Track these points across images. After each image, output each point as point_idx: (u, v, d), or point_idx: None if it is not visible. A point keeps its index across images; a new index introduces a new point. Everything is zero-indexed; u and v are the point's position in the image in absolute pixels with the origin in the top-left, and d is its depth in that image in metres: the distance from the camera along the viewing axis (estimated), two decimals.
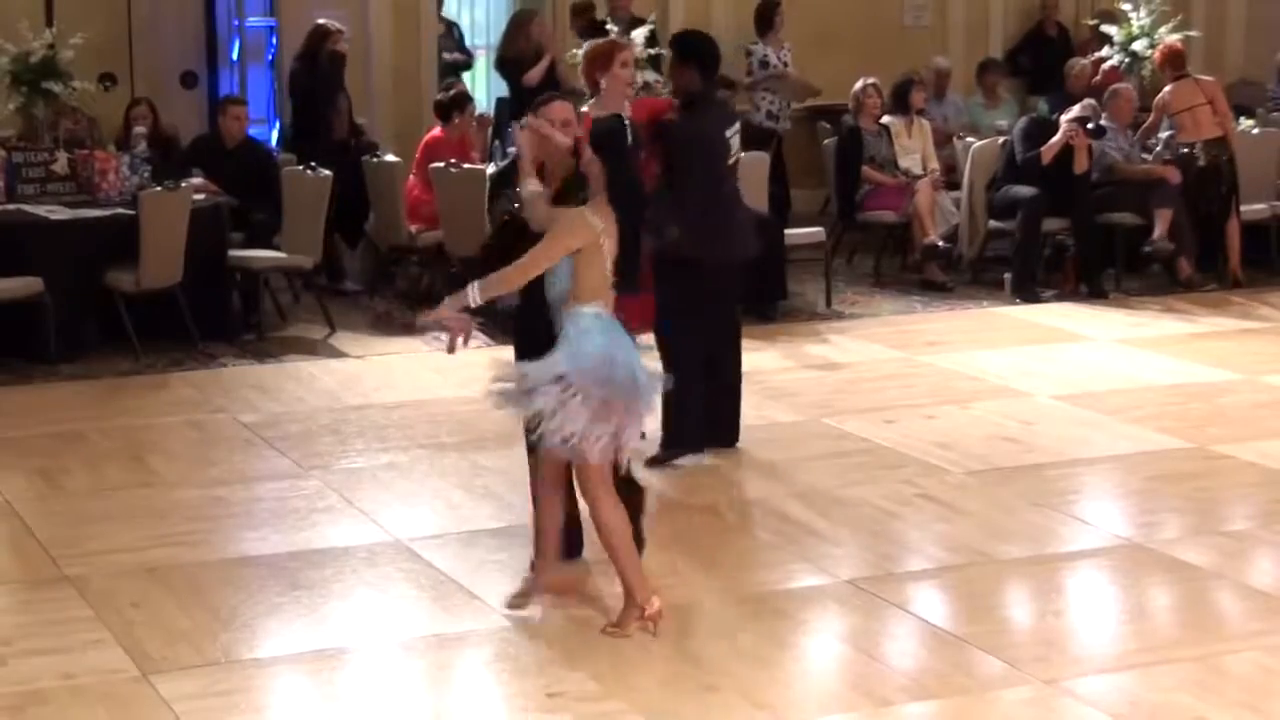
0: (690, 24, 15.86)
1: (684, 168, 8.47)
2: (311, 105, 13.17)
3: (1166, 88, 13.83)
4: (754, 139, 14.01)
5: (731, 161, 8.78)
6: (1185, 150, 13.58)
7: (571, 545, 6.91)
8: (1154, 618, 6.98)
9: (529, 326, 6.61)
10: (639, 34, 13.99)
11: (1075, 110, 13.23)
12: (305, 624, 6.76)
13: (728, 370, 8.84)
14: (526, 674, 6.20)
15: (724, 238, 8.63)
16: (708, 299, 8.55)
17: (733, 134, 8.78)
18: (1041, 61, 16.46)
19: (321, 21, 13.31)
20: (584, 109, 8.02)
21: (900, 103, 13.87)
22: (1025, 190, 13.11)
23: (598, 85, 8.11)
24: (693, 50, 8.76)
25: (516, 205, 6.54)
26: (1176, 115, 13.68)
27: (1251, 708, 5.92)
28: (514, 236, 6.55)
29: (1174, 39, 14.39)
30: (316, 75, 13.12)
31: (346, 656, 6.42)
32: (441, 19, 15.25)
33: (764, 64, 15.06)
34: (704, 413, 8.60)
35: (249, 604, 6.92)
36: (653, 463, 8.39)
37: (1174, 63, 13.94)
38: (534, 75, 13.22)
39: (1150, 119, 13.92)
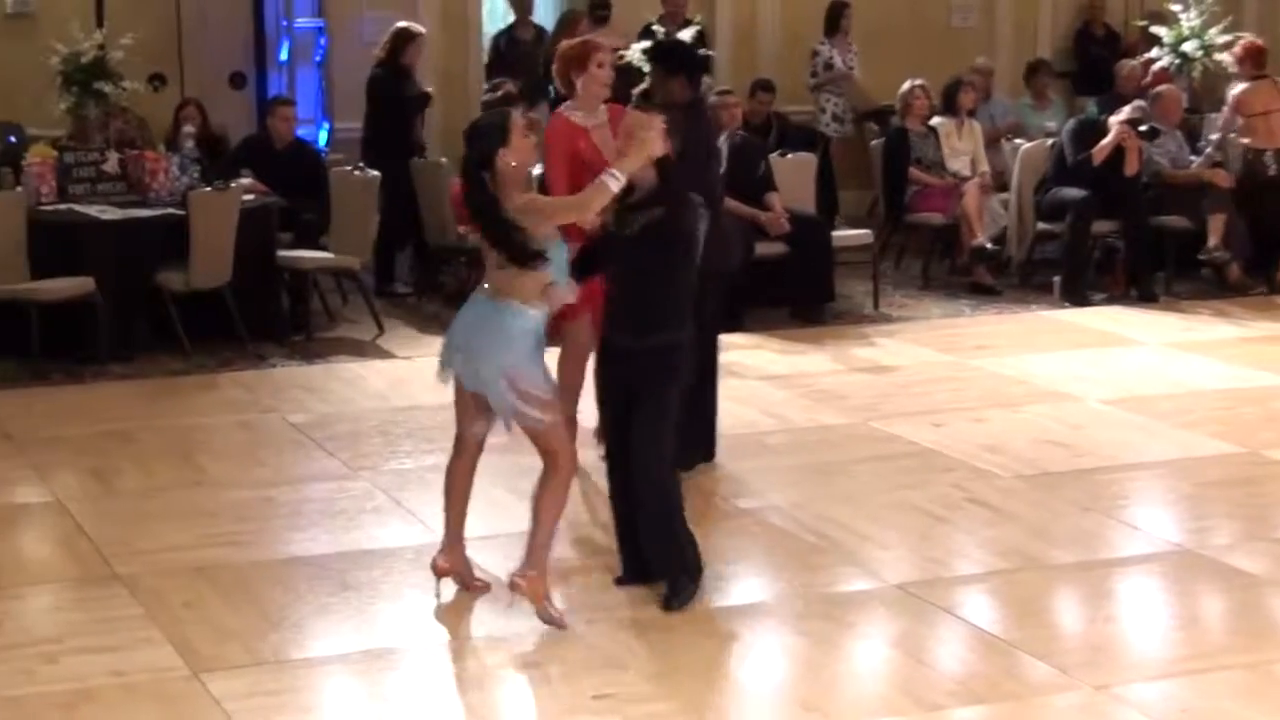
0: (737, 25, 16.01)
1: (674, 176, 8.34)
2: (397, 108, 13.12)
3: (1243, 85, 13.62)
4: (802, 141, 14.03)
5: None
6: (1252, 156, 13.45)
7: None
8: (1205, 624, 6.95)
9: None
10: (686, 34, 14.03)
11: (1125, 112, 13.17)
12: (354, 624, 6.79)
13: (713, 385, 8.63)
14: (575, 675, 6.21)
15: (719, 248, 8.28)
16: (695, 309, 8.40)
17: (722, 142, 8.72)
18: (1090, 63, 16.41)
19: (404, 24, 13.28)
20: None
21: (949, 104, 13.84)
22: (1074, 192, 13.05)
23: (573, 86, 8.08)
24: (679, 60, 8.64)
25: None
26: (1249, 118, 13.52)
27: None
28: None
29: (1249, 37, 14.19)
30: (399, 78, 13.08)
31: (395, 657, 6.44)
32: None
33: (829, 65, 15.08)
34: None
35: (298, 604, 6.95)
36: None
37: (1255, 60, 13.70)
38: None
39: (1224, 115, 13.71)
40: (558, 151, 8.09)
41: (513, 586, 6.61)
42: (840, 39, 15.18)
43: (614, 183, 6.40)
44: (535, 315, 6.49)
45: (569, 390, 8.23)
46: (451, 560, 6.93)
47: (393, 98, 13.03)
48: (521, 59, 14.33)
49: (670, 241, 6.68)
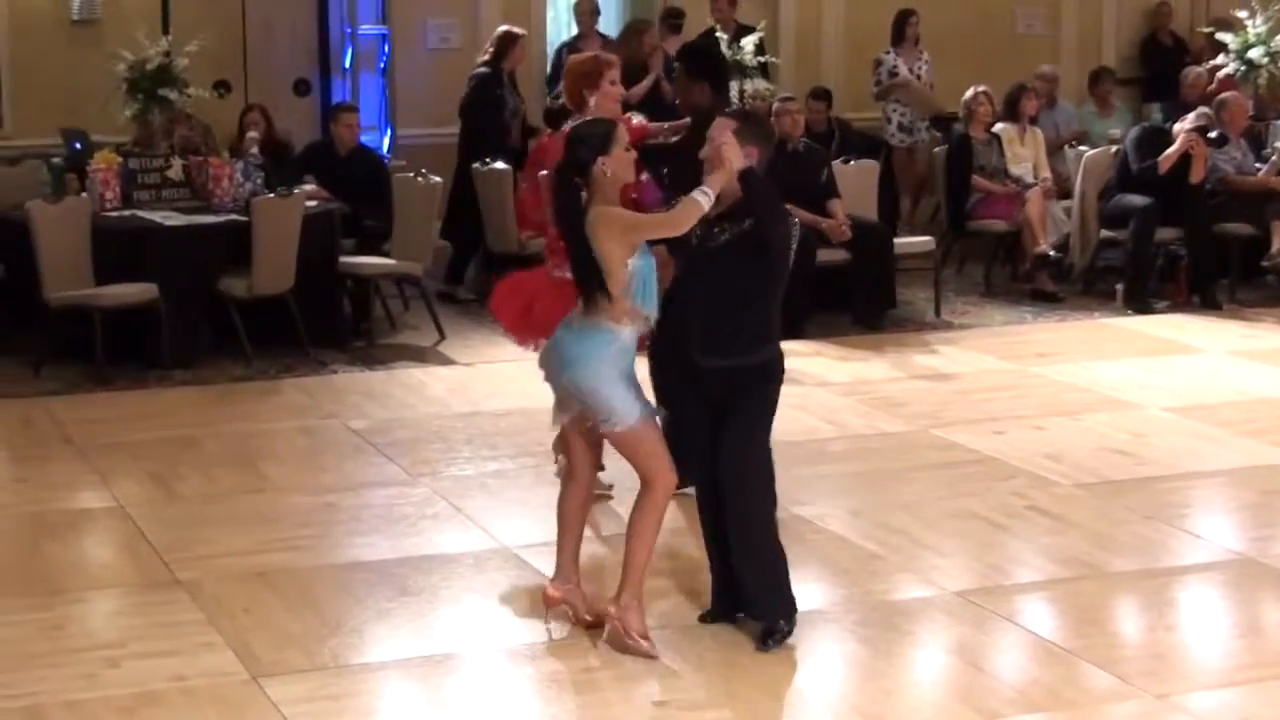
0: (801, 31, 15.99)
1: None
2: (496, 111, 13.16)
3: None
4: (864, 148, 14.00)
5: None
6: None
7: None
8: (1267, 633, 6.91)
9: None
10: (748, 41, 14.05)
11: (1190, 119, 13.09)
12: (413, 630, 6.81)
13: None
14: (633, 681, 6.22)
15: None
16: None
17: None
18: (1156, 70, 16.32)
19: (507, 28, 13.30)
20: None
21: (1011, 110, 13.79)
22: (1138, 199, 12.98)
23: (584, 103, 7.97)
24: (704, 66, 8.50)
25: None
26: None
27: None
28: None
29: None
30: (500, 82, 13.11)
31: (454, 663, 6.46)
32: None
33: (893, 74, 15.03)
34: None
35: (358, 609, 6.98)
36: None
37: None
38: (637, 91, 13.09)
39: None
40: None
41: (608, 617, 6.45)
42: (907, 47, 15.13)
43: (705, 199, 6.17)
44: (626, 334, 6.29)
45: None
46: (564, 591, 6.64)
47: (492, 100, 13.05)
48: None
49: (760, 253, 6.32)
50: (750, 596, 6.51)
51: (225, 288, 10.99)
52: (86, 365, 10.68)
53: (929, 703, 6.14)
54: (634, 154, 6.43)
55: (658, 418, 6.43)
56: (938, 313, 12.59)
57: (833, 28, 16.07)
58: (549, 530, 7.82)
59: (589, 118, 7.83)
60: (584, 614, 6.61)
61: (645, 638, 6.35)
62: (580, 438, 6.58)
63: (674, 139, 8.34)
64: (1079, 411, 9.98)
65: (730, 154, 6.25)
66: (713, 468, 6.43)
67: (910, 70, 15.08)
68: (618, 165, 6.32)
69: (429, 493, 8.40)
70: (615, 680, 6.25)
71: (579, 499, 6.66)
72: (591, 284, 6.23)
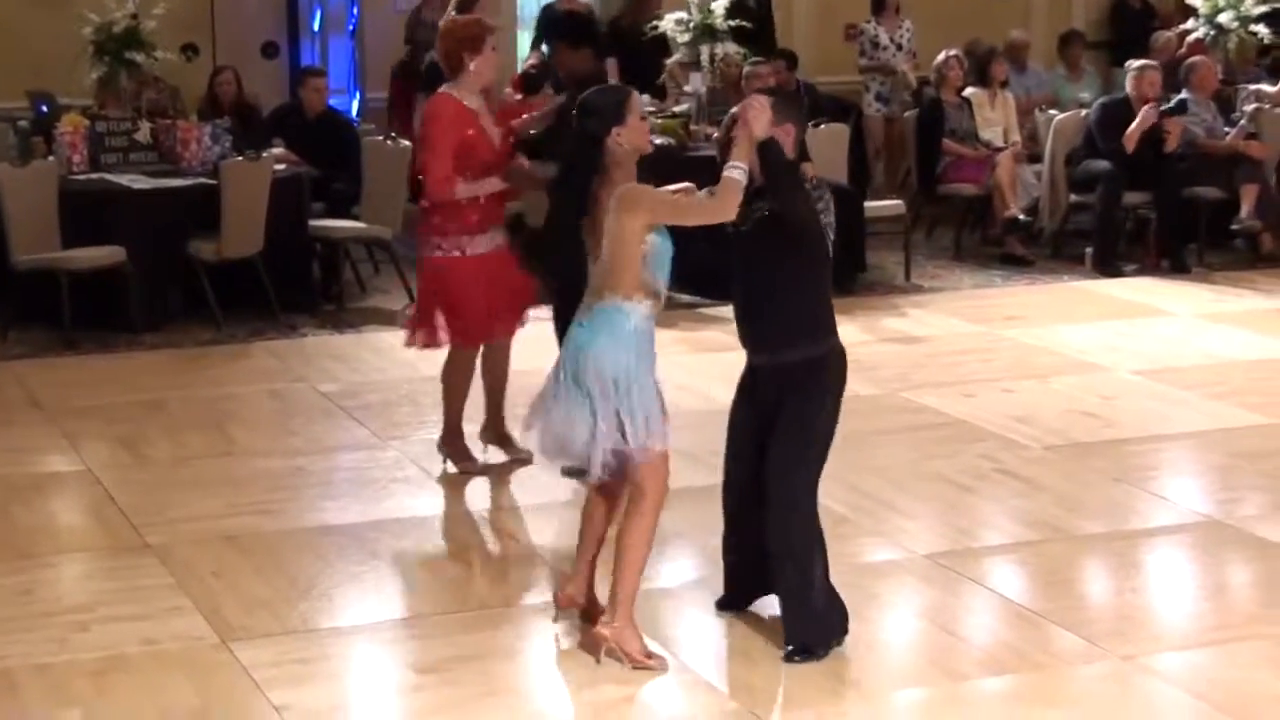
0: None
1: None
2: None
3: None
4: (834, 111, 13.99)
5: None
6: None
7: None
8: (1234, 595, 6.94)
9: None
10: (719, 4, 14.02)
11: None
12: (383, 593, 6.82)
13: None
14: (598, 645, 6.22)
15: None
16: None
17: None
18: (1125, 33, 16.32)
19: None
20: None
21: (981, 75, 13.79)
22: (1105, 164, 13.01)
23: (461, 67, 7.71)
24: (583, 32, 8.18)
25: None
26: None
27: None
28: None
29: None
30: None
31: (424, 626, 6.46)
32: None
33: (875, 44, 14.99)
34: None
35: (327, 573, 6.98)
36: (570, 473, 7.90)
37: None
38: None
39: None
40: (446, 134, 7.66)
41: (598, 640, 5.98)
42: (888, 15, 15.08)
43: (740, 173, 5.70)
44: (641, 311, 5.85)
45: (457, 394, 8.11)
46: (575, 592, 6.27)
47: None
48: None
49: (786, 235, 5.85)
50: (790, 615, 6.05)
51: (194, 251, 10.95)
52: (54, 329, 10.65)
53: (898, 665, 6.16)
54: (647, 123, 6.09)
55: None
56: (908, 276, 12.60)
57: None
58: (519, 493, 7.88)
59: (462, 84, 7.71)
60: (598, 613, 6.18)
61: (648, 655, 5.92)
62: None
63: (545, 125, 8.16)
64: (1048, 374, 10.01)
65: (754, 118, 5.77)
66: (745, 468, 6.05)
67: (892, 39, 15.03)
68: (633, 135, 5.95)
69: (399, 456, 8.40)
70: (581, 636, 6.25)
71: (603, 514, 6.19)
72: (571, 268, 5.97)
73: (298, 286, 11.45)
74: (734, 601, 6.36)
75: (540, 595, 6.67)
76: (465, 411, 8.17)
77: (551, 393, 5.93)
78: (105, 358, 10.41)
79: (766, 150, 5.80)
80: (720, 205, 5.74)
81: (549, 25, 8.16)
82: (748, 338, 6.04)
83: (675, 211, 5.85)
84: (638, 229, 5.77)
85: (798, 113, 6.13)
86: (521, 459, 7.98)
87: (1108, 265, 12.89)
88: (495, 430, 8.20)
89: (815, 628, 6.01)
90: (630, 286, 5.81)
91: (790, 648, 5.97)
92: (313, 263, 11.87)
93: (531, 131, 8.24)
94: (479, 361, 8.14)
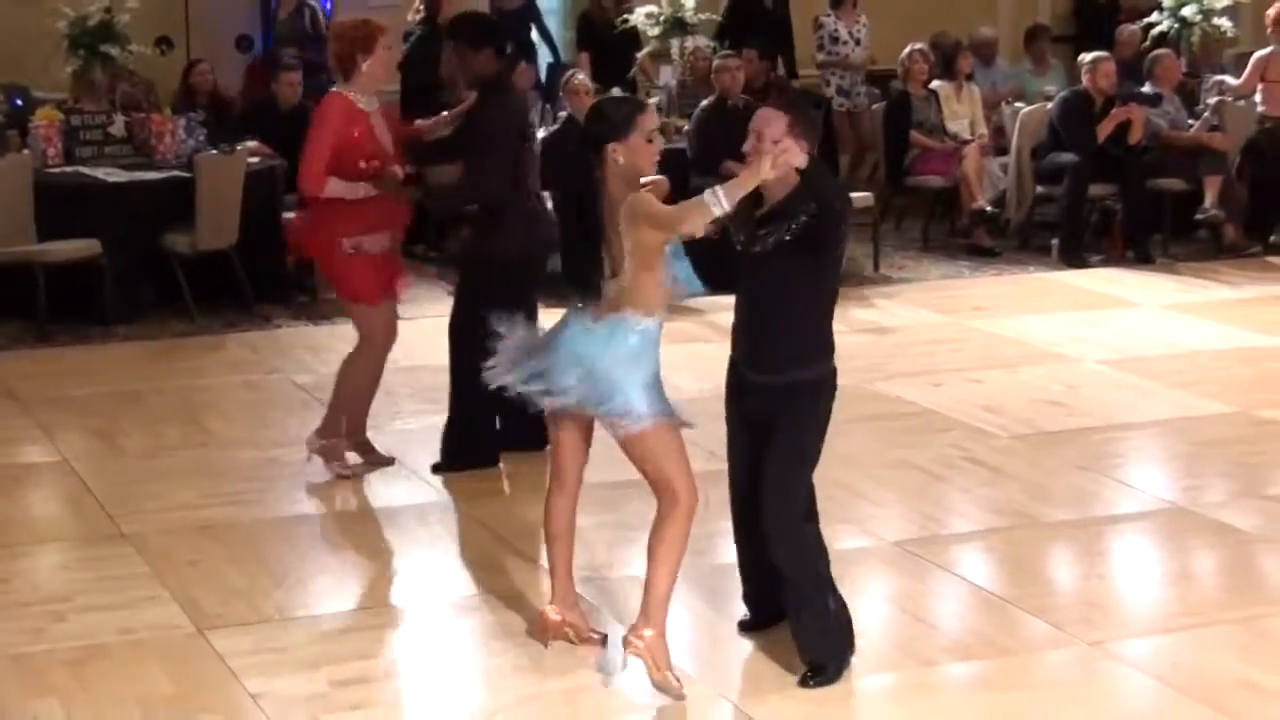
0: None
1: (485, 154, 7.73)
2: (434, 67, 13.03)
3: (1269, 49, 13.49)
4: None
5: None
6: (1270, 124, 13.37)
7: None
8: (1198, 581, 6.97)
9: None
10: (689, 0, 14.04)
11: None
12: (357, 582, 6.82)
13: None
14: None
15: (534, 233, 8.02)
16: (512, 299, 7.61)
17: (532, 118, 8.43)
18: (1090, 27, 16.37)
19: None
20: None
21: (948, 68, 13.82)
22: (1071, 156, 13.04)
23: (353, 68, 7.61)
24: (485, 32, 8.05)
25: None
26: (1269, 84, 13.42)
27: None
28: None
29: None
30: (438, 38, 13.02)
31: (398, 615, 6.48)
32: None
33: (834, 38, 14.96)
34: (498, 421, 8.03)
35: (302, 562, 6.98)
36: (438, 470, 8.02)
37: None
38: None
39: (1245, 79, 13.61)
40: (331, 131, 7.56)
41: (626, 645, 5.67)
42: (846, 10, 15.05)
43: (715, 205, 5.33)
44: (651, 326, 5.63)
45: (360, 396, 8.02)
46: (563, 612, 5.99)
47: (432, 58, 12.97)
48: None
49: (811, 256, 5.57)
50: (801, 633, 5.83)
51: (168, 244, 10.94)
52: (29, 321, 10.64)
53: (868, 651, 6.14)
54: (656, 145, 5.68)
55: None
56: (876, 267, 12.63)
57: None
58: (489, 483, 7.87)
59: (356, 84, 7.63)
60: (586, 633, 6.03)
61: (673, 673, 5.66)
62: (570, 442, 5.87)
63: (452, 126, 8.09)
64: (1015, 364, 10.03)
65: (789, 156, 5.44)
66: (752, 481, 5.80)
67: (850, 33, 15.03)
68: (633, 154, 5.59)
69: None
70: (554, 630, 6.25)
71: (568, 510, 5.96)
72: (591, 276, 5.63)
73: (272, 279, 11.43)
74: (758, 621, 6.14)
75: (514, 583, 6.67)
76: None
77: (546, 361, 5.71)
78: (81, 349, 10.39)
79: (812, 174, 5.51)
80: (684, 222, 5.44)
81: (450, 27, 8.09)
82: (753, 357, 5.76)
83: (666, 222, 5.50)
84: (656, 242, 5.52)
85: (811, 128, 5.80)
86: (383, 463, 8.01)
87: (1073, 256, 12.93)
88: (357, 437, 8.08)
89: (830, 646, 5.81)
90: (651, 302, 5.58)
91: (807, 670, 5.76)
92: (287, 255, 11.82)
93: (440, 133, 8.18)
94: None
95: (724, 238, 5.69)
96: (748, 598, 6.16)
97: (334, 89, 7.76)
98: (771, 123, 5.56)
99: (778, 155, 5.41)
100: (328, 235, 7.70)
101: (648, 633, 5.60)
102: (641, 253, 5.51)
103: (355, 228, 7.67)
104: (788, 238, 5.55)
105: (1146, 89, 13.46)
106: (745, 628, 6.16)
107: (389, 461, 8.03)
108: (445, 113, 8.31)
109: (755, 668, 5.93)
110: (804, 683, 5.74)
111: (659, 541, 5.64)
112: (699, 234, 5.48)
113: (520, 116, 8.13)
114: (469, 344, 7.78)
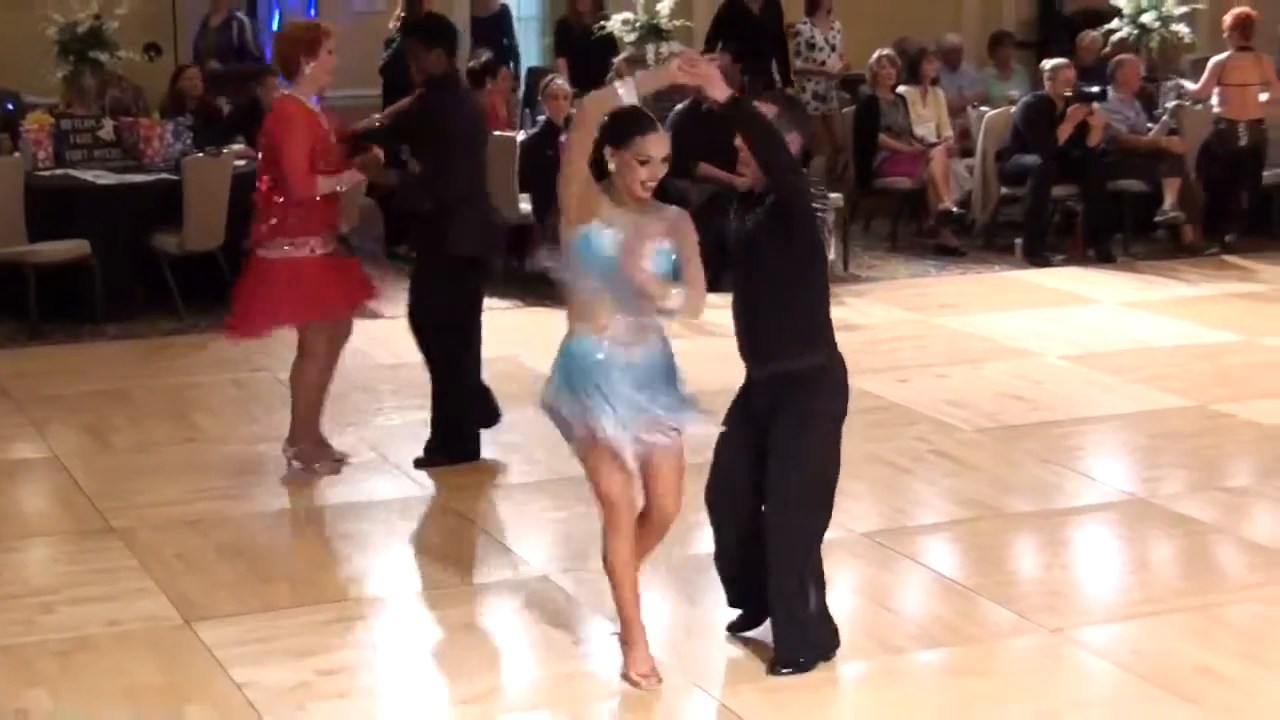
0: None
1: (442, 153, 7.75)
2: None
3: (1225, 54, 13.54)
4: None
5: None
6: (1225, 125, 13.41)
7: None
8: (1157, 570, 6.99)
9: None
10: (664, 5, 14.02)
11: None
12: (341, 574, 6.81)
13: (477, 368, 8.13)
14: (554, 622, 6.22)
15: (487, 231, 8.03)
16: (464, 294, 7.94)
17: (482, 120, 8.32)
18: (1053, 34, 16.40)
19: None
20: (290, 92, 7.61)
21: (913, 73, 13.84)
22: (1033, 158, 13.07)
23: (298, 70, 7.57)
24: (437, 32, 8.01)
25: None
26: (1225, 87, 13.47)
27: (1250, 656, 5.93)
28: None
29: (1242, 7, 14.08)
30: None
31: (381, 605, 6.46)
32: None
33: (810, 45, 14.93)
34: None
35: (287, 555, 6.98)
36: (420, 464, 8.00)
37: (1243, 32, 13.49)
38: None
39: (1203, 83, 13.63)
40: (303, 136, 7.52)
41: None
42: (821, 16, 15.03)
43: (624, 89, 5.43)
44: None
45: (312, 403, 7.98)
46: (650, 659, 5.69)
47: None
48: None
49: (787, 232, 5.47)
50: (780, 630, 5.73)
51: (157, 244, 10.91)
52: (21, 320, 10.60)
53: None
54: (649, 170, 5.44)
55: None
56: (845, 266, 12.63)
57: None
58: (471, 476, 7.86)
59: (298, 87, 7.61)
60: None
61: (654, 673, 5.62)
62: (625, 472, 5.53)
63: (389, 122, 8.10)
64: (979, 360, 10.05)
65: (710, 81, 5.43)
66: (731, 480, 5.72)
67: (825, 40, 15.01)
68: (623, 168, 5.41)
69: (356, 441, 8.36)
70: (538, 622, 6.25)
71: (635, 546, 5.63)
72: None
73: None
74: (746, 622, 6.01)
75: (494, 574, 6.67)
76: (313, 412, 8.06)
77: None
78: (71, 348, 10.35)
79: (737, 108, 5.46)
80: (592, 102, 5.55)
81: (406, 26, 8.06)
82: (747, 348, 5.67)
83: (580, 123, 5.52)
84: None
85: (803, 122, 5.77)
86: (340, 460, 7.97)
87: (1037, 255, 12.95)
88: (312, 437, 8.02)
89: (806, 646, 5.73)
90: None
91: (776, 660, 5.71)
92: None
93: (377, 123, 8.16)
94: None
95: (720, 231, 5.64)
96: (734, 598, 6.01)
97: (284, 93, 7.70)
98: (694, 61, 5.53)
99: (694, 67, 5.43)
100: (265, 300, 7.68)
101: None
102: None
103: (313, 229, 7.66)
104: (760, 217, 5.51)
105: (1109, 92, 13.49)
106: (735, 629, 6.02)
107: (343, 459, 7.98)
108: (375, 116, 8.31)
109: (728, 656, 5.92)
110: (773, 670, 5.71)
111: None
112: (601, 110, 5.43)
113: (478, 117, 8.12)
114: (431, 340, 7.83)
